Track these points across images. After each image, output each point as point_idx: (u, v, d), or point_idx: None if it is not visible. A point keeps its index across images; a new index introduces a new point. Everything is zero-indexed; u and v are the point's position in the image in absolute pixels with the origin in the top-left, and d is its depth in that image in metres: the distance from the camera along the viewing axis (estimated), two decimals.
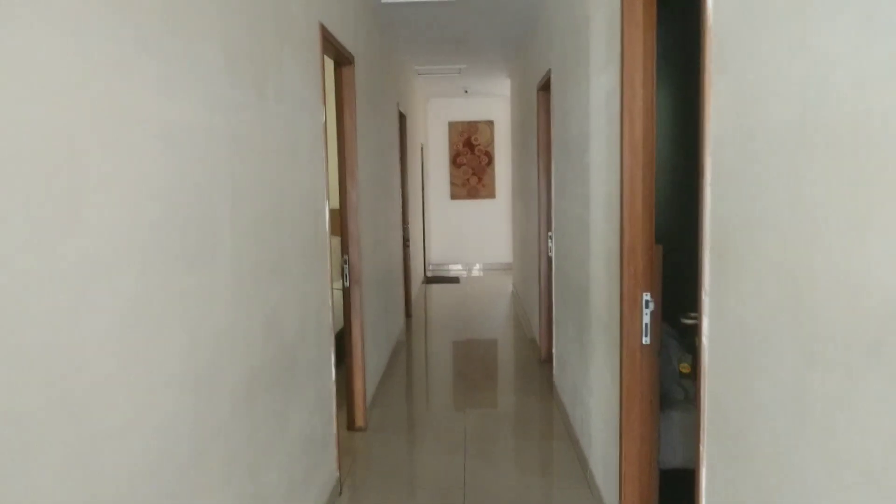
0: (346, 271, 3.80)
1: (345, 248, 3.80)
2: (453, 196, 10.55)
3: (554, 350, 4.52)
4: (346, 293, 3.84)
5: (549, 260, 5.08)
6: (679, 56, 3.51)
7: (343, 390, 4.06)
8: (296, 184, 2.52)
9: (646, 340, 2.40)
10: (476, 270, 10.54)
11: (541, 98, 5.06)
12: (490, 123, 10.40)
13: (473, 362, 5.47)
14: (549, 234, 5.08)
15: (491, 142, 10.43)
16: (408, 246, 7.02)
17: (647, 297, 2.40)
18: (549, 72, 4.51)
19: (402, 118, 6.85)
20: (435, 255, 10.69)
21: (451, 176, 10.51)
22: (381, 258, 4.92)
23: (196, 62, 1.62)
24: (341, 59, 3.58)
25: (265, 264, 2.14)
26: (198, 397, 1.59)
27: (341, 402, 4.08)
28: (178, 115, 1.52)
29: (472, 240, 10.63)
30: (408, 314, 7.09)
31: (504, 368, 5.34)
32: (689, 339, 2.65)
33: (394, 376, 5.01)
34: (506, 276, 9.78)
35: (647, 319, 2.40)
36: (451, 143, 10.46)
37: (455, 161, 10.49)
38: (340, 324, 4.40)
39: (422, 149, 9.44)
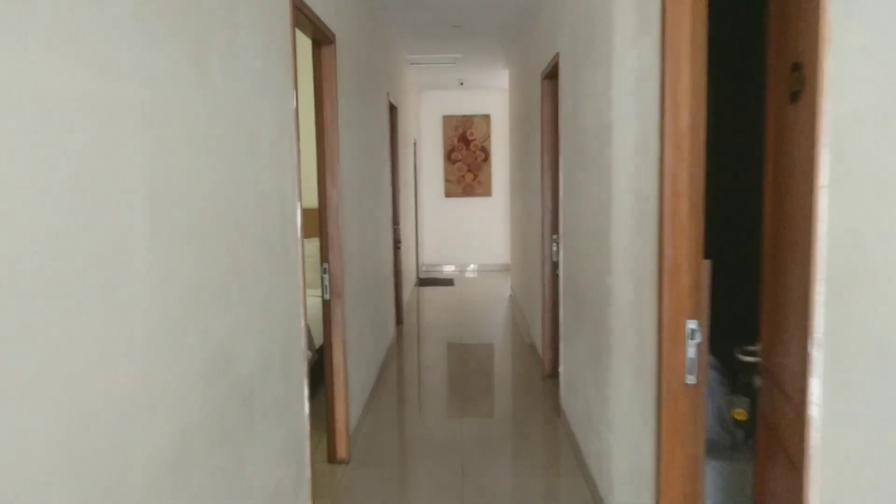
0: (326, 282, 3.32)
1: (324, 255, 3.31)
2: (448, 193, 10.07)
3: (561, 368, 4.05)
4: (327, 306, 3.36)
5: (554, 265, 4.61)
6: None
7: (323, 415, 3.57)
8: (255, 181, 2.03)
9: (690, 380, 1.93)
10: (471, 272, 10.07)
11: (546, 87, 4.57)
12: (486, 118, 9.91)
13: (470, 378, 4.99)
14: (555, 237, 4.61)
15: (487, 137, 9.95)
16: (399, 248, 6.53)
17: (692, 325, 1.92)
18: (556, 57, 4.03)
19: (392, 110, 6.35)
20: (428, 255, 10.21)
21: (446, 172, 10.03)
22: (369, 264, 4.44)
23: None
24: (320, 36, 3.08)
25: (209, 286, 1.65)
26: (84, 496, 1.10)
27: (321, 432, 3.59)
28: (44, 78, 1.03)
29: (467, 240, 10.15)
30: (399, 321, 6.60)
31: (504, 385, 4.87)
32: (741, 376, 2.17)
33: (383, 395, 4.53)
34: (503, 278, 9.31)
35: (692, 353, 1.93)
36: (446, 138, 9.97)
37: (449, 157, 10.00)
38: (322, 338, 3.91)
39: (414, 144, 8.95)
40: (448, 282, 9.11)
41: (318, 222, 3.33)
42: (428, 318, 7.18)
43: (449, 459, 3.48)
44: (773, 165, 1.76)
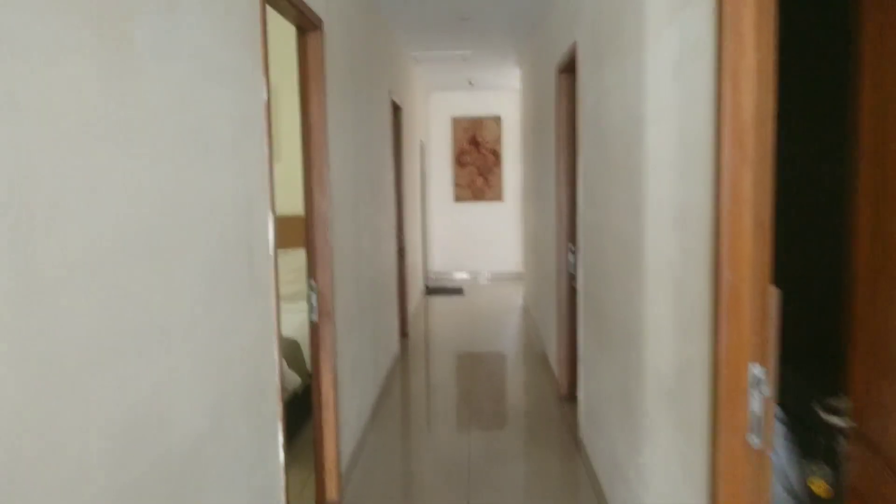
0: (314, 300, 2.92)
1: (312, 272, 2.91)
2: (457, 198, 9.66)
3: (580, 395, 3.62)
4: (315, 328, 2.96)
5: (570, 277, 4.19)
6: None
7: (311, 448, 3.17)
8: (207, 187, 1.63)
9: (755, 442, 1.50)
10: (482, 279, 9.64)
11: (562, 82, 4.16)
12: (497, 119, 9.50)
13: (479, 400, 4.57)
14: (571, 247, 4.19)
15: (498, 139, 9.54)
16: (404, 256, 6.13)
17: (756, 371, 1.50)
18: (573, 47, 3.61)
19: (396, 110, 5.96)
20: (437, 262, 9.80)
21: (455, 176, 9.62)
22: (368, 276, 4.04)
23: None
24: (303, 21, 2.69)
25: (127, 328, 1.25)
26: None
27: (311, 470, 3.19)
28: None
29: (477, 246, 9.73)
30: (404, 333, 6.20)
31: (517, 409, 4.44)
32: (821, 437, 1.73)
33: (383, 422, 4.12)
34: (515, 287, 8.88)
35: (756, 406, 1.50)
36: (455, 141, 9.57)
37: (459, 160, 9.60)
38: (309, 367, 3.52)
39: (422, 147, 8.56)
40: (457, 291, 8.70)
41: (303, 234, 2.94)
42: (435, 329, 6.77)
43: (454, 500, 3.06)
44: (872, 167, 1.34)
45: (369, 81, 4.26)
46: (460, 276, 9.75)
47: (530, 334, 6.25)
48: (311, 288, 2.92)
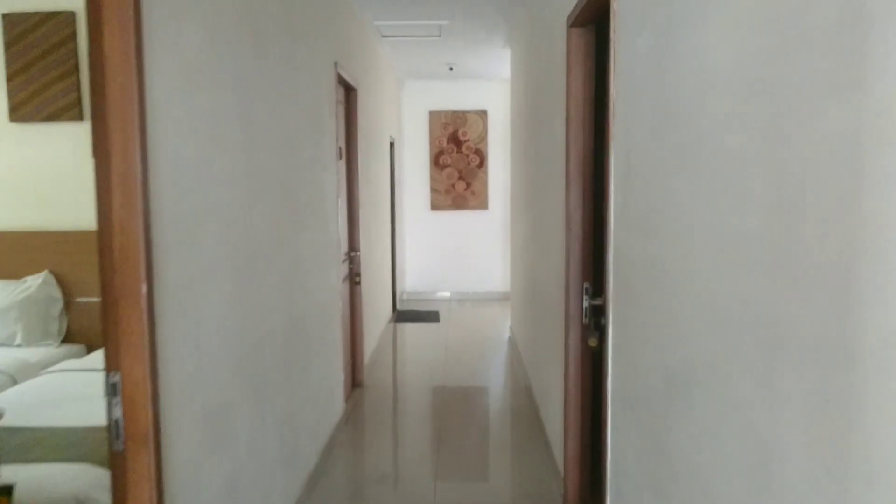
0: (117, 414, 1.51)
1: (110, 354, 1.51)
2: (434, 206, 8.26)
3: None
4: (118, 461, 1.55)
5: (585, 328, 2.82)
6: None
7: None
8: None
9: None
10: (462, 301, 8.24)
11: (576, 41, 2.78)
12: (483, 114, 8.13)
13: (447, 496, 3.17)
14: (588, 288, 2.80)
15: (484, 137, 8.16)
16: (358, 283, 4.73)
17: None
18: None
19: (349, 91, 4.56)
20: (411, 281, 8.40)
21: (433, 180, 8.23)
22: (275, 328, 2.64)
23: None
24: None
25: None
26: None
27: None
28: None
29: (457, 263, 8.33)
30: (355, 383, 4.79)
31: None
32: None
33: None
34: (500, 311, 7.50)
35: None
36: (433, 139, 8.18)
37: (437, 161, 8.21)
38: None
39: (392, 144, 7.17)
40: (433, 316, 7.29)
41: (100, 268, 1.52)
42: (401, 372, 5.36)
43: None
44: None
45: (291, 35, 2.86)
46: (442, 294, 8.35)
47: (518, 380, 4.86)
48: (111, 391, 1.51)
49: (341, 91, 4.35)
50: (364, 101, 5.01)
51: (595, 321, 2.71)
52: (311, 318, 3.25)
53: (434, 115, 8.13)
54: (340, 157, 4.24)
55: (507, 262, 8.17)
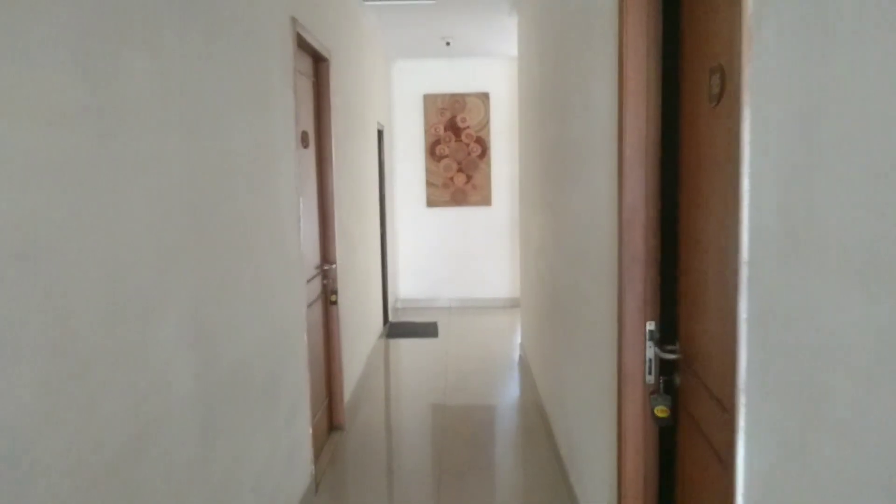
0: None
1: None
2: (431, 202, 7.32)
3: None
4: None
5: (648, 390, 1.89)
6: None
7: None
8: None
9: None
10: (463, 309, 7.31)
11: None
12: (484, 97, 7.17)
13: None
14: (651, 328, 1.87)
15: (486, 124, 7.21)
16: (334, 303, 3.79)
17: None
18: None
19: (318, 61, 3.62)
20: (405, 286, 7.46)
21: (428, 173, 7.28)
22: (177, 404, 1.71)
23: None
24: None
25: None
26: None
27: None
28: None
29: (457, 266, 7.39)
30: (333, 427, 3.87)
31: None
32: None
33: None
34: (507, 320, 6.57)
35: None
36: (428, 126, 7.22)
37: (433, 152, 7.25)
38: None
39: (380, 133, 6.22)
40: (430, 329, 6.36)
41: None
42: (394, 408, 4.44)
43: None
44: None
45: None
46: (438, 302, 7.42)
47: (537, 424, 3.93)
48: None
49: (306, 61, 3.41)
50: (340, 77, 4.06)
51: (666, 381, 1.78)
52: (254, 367, 2.31)
53: (429, 100, 7.17)
54: (305, 145, 3.30)
55: (515, 265, 7.24)
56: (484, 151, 7.21)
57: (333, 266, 3.73)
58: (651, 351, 1.85)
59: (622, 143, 1.88)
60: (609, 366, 2.11)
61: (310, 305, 3.32)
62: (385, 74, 6.69)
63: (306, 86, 3.39)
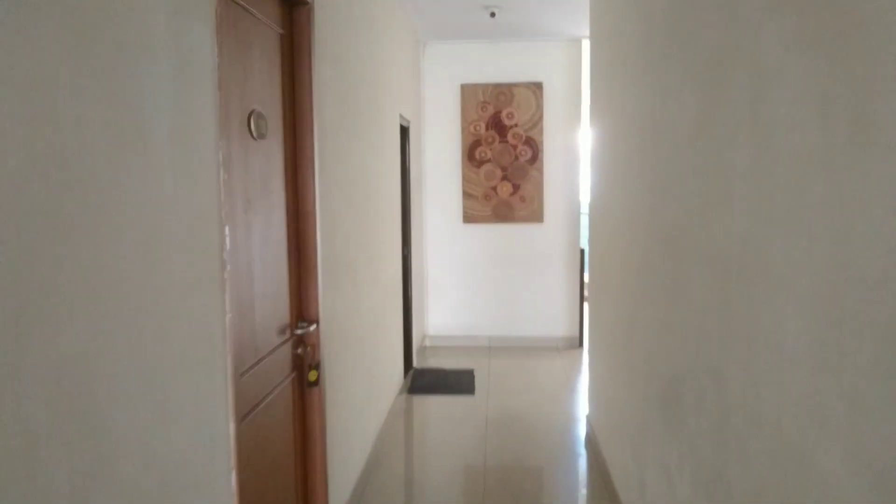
0: None
1: None
2: (468, 218, 5.94)
3: None
4: None
5: None
6: None
7: None
8: None
9: None
10: (507, 350, 5.90)
11: None
12: (537, 87, 5.77)
13: None
14: None
15: (538, 121, 5.81)
16: (315, 383, 2.44)
17: None
18: None
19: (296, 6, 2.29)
20: (435, 322, 6.09)
21: (466, 182, 5.91)
22: None
23: None
24: None
25: None
26: None
27: None
28: None
29: (500, 297, 5.99)
30: None
31: None
32: None
33: None
34: (562, 367, 5.15)
35: None
36: (466, 124, 5.86)
37: (472, 155, 5.88)
38: None
39: (405, 129, 4.89)
40: (464, 382, 4.96)
41: None
42: None
43: None
44: None
45: None
46: (477, 341, 6.03)
47: None
48: None
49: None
50: (334, 35, 2.73)
51: None
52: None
53: (468, 91, 5.80)
54: (258, 135, 1.97)
55: (573, 297, 5.81)
56: (535, 155, 5.81)
57: (313, 327, 2.38)
58: None
59: None
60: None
61: (264, 400, 1.98)
62: (413, 58, 5.36)
63: (266, 38, 2.07)
